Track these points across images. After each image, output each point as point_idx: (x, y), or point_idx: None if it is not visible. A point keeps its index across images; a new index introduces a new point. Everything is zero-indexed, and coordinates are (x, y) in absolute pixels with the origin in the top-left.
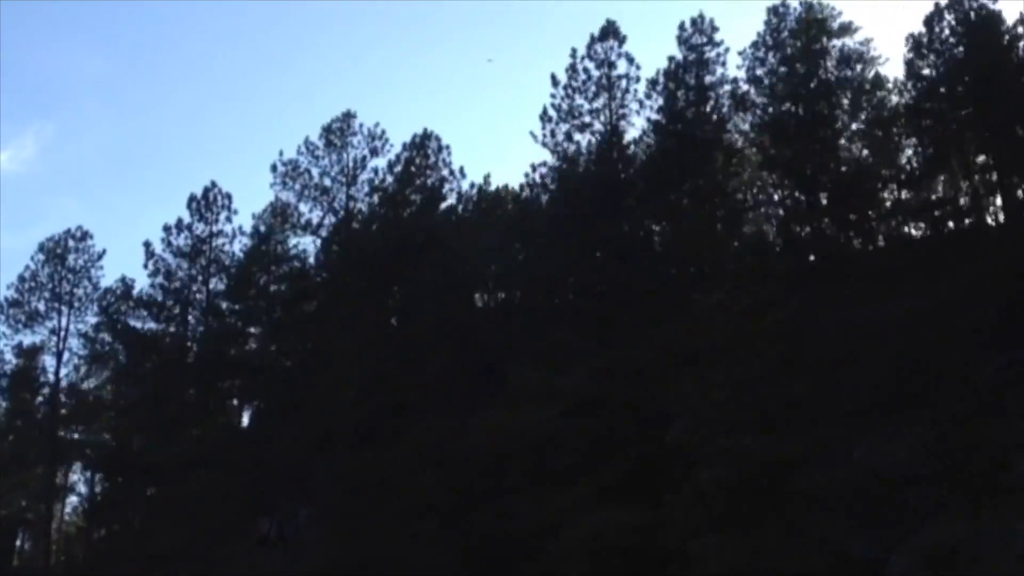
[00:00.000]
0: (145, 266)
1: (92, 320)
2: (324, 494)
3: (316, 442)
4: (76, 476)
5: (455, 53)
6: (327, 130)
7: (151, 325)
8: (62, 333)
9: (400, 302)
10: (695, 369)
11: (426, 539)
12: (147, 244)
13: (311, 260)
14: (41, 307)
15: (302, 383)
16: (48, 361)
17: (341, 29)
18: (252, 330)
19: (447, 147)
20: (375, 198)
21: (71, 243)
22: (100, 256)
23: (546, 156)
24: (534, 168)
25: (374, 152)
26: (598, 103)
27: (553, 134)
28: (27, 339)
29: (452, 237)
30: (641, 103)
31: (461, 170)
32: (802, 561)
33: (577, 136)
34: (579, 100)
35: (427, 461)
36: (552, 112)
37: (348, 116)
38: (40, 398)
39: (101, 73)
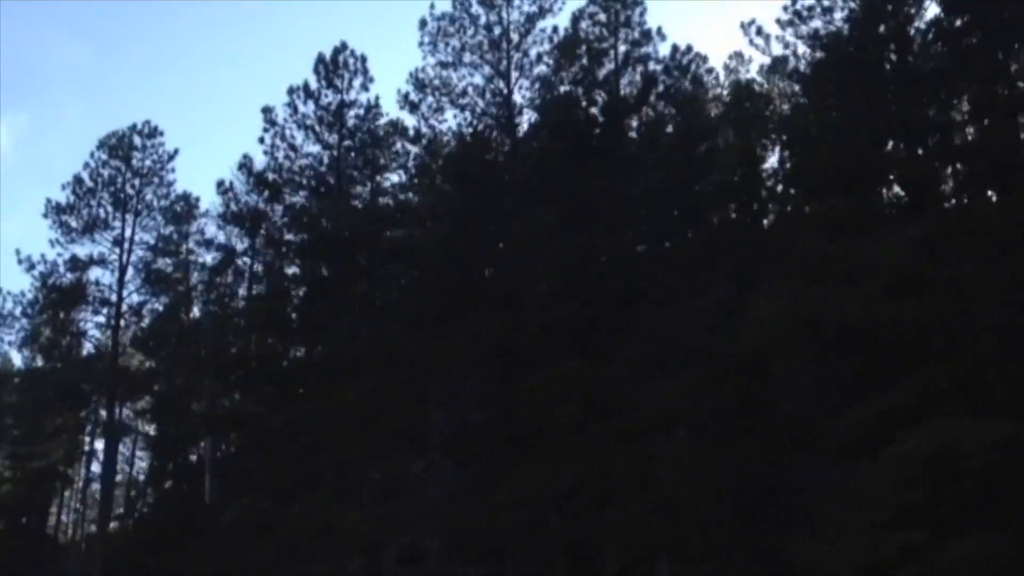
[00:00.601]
0: (261, 140)
1: (162, 230)
2: (506, 413)
3: (491, 350)
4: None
5: None
6: None
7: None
8: (126, 245)
9: (605, 175)
10: None
11: (670, 460)
12: (267, 110)
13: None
14: (101, 213)
15: (472, 275)
16: (107, 277)
17: None
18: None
19: (641, 2)
20: (548, 62)
21: (137, 140)
22: (172, 156)
23: None
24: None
25: (543, 11)
26: None
27: None
28: (83, 251)
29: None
30: None
31: (659, 31)
32: None
33: None
34: None
35: (662, 363)
36: None
37: None
38: (100, 319)
39: (78, 62)
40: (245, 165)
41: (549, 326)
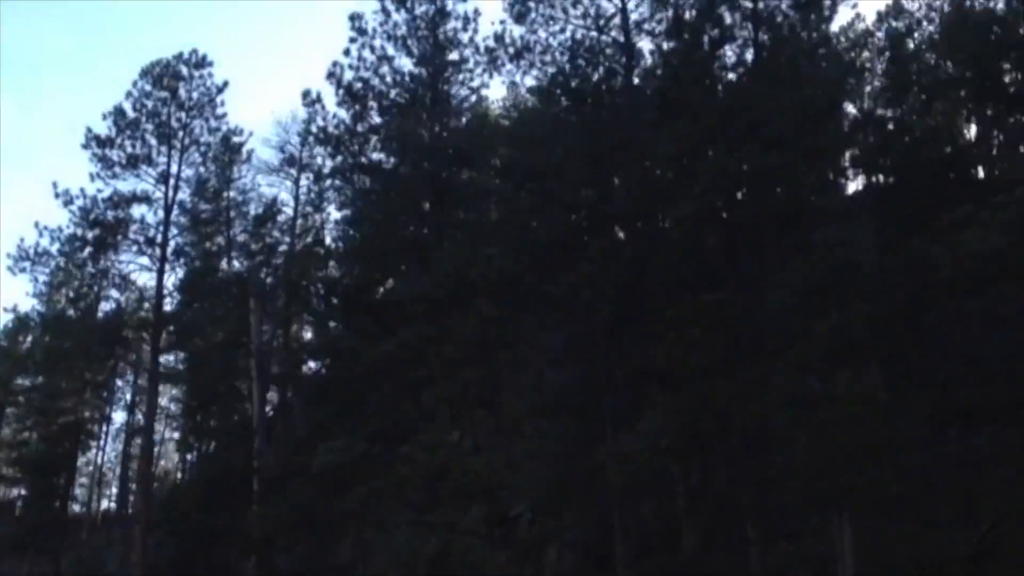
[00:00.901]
0: (346, 51)
1: (208, 169)
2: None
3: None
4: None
5: None
6: None
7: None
8: (172, 182)
9: (752, 88)
10: None
11: (859, 400)
12: (354, 17)
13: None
14: (144, 148)
15: (599, 198)
16: (150, 216)
17: None
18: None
19: None
20: None
21: (184, 70)
22: (221, 89)
23: None
24: None
25: None
26: None
27: None
28: (125, 186)
29: None
30: None
31: None
32: None
33: None
34: None
35: (830, 293)
36: None
37: None
38: (144, 260)
39: (64, 48)
40: (333, 74)
41: (688, 254)
